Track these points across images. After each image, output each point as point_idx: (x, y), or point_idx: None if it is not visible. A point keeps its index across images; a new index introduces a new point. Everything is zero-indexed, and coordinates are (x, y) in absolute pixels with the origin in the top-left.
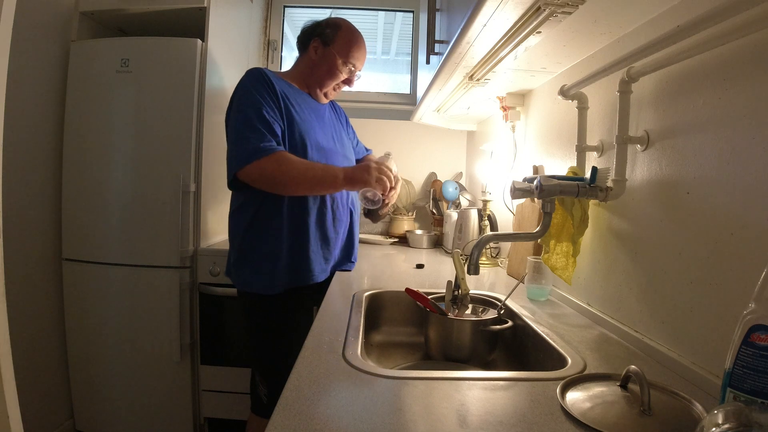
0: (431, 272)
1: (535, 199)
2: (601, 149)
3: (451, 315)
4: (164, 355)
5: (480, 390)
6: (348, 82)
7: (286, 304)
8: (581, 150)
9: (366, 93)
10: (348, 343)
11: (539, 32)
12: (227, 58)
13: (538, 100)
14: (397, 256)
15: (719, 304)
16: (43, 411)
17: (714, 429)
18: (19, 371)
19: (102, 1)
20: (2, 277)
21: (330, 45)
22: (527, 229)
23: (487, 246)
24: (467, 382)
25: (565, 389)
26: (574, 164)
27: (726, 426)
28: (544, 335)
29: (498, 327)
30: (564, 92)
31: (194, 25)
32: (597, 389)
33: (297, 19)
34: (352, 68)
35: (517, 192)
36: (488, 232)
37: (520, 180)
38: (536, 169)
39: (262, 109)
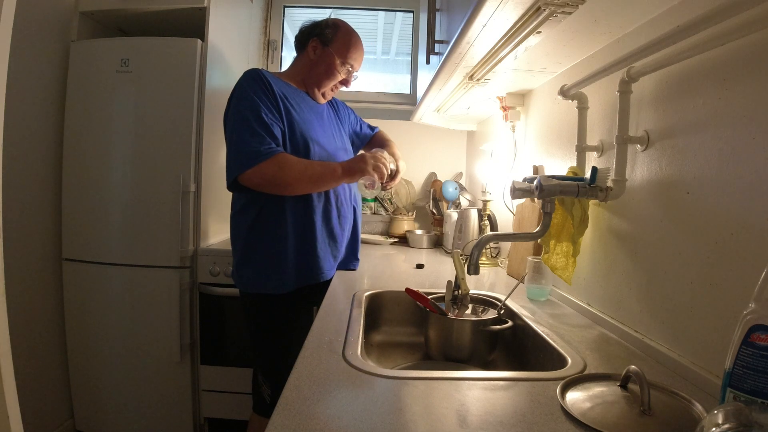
0: (431, 272)
1: (535, 199)
2: (601, 149)
3: (451, 315)
4: (164, 355)
5: (480, 390)
6: (345, 82)
7: (292, 304)
8: (581, 150)
9: (366, 93)
10: (348, 343)
11: (539, 32)
12: (227, 58)
13: (538, 100)
14: (397, 256)
15: (719, 304)
16: (43, 411)
17: (714, 429)
18: (19, 371)
19: (102, 1)
20: (2, 277)
21: (329, 45)
22: (527, 229)
23: (487, 246)
24: (467, 382)
25: (565, 389)
26: (574, 164)
27: (726, 426)
28: (544, 335)
29: (498, 327)
30: (564, 92)
31: (194, 25)
32: (597, 389)
33: (297, 19)
34: (350, 69)
35: (517, 192)
36: (488, 232)
37: (520, 180)
38: (536, 169)
39: (261, 112)
